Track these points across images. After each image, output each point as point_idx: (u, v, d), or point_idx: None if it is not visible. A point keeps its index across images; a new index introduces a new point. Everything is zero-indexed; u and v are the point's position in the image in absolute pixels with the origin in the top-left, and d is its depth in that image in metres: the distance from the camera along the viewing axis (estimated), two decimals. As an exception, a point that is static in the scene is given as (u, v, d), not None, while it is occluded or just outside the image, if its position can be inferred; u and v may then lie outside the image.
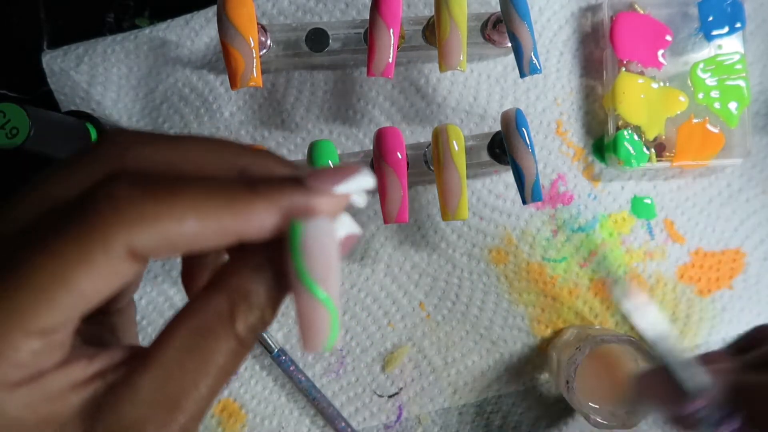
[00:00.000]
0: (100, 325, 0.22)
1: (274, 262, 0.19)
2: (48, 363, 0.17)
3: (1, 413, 0.16)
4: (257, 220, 0.18)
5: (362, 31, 0.44)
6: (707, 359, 0.27)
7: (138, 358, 0.18)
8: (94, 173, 0.18)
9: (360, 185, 0.19)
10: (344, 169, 0.19)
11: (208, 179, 0.18)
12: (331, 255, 0.18)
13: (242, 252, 0.19)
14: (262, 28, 0.42)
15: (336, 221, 0.19)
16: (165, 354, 0.18)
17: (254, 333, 0.19)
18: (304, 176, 0.18)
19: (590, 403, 0.40)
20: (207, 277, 0.23)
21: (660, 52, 0.46)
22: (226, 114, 0.47)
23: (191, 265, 0.23)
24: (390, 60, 0.38)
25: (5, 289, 0.16)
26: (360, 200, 0.19)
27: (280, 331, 0.46)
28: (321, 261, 0.18)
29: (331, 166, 0.38)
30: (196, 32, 0.47)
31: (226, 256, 0.23)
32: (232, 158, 0.19)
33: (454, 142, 0.39)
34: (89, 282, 0.16)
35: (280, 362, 0.45)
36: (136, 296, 0.46)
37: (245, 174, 0.19)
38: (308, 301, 0.18)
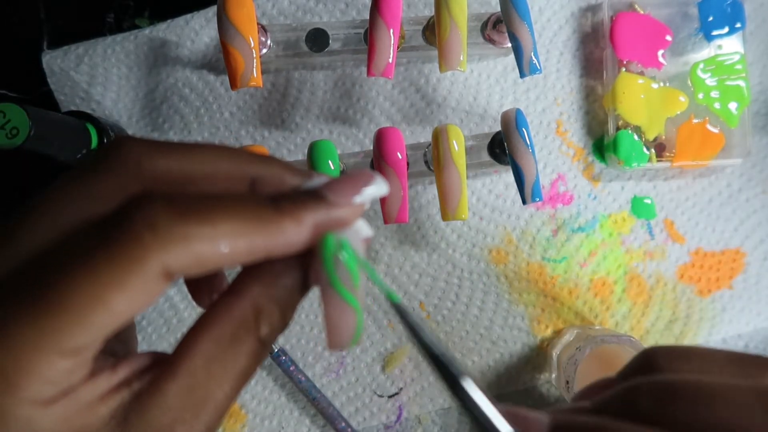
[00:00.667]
0: None
1: (294, 267, 0.19)
2: (77, 378, 0.18)
3: (37, 429, 0.17)
4: (285, 238, 0.18)
5: (362, 31, 0.44)
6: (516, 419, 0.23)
7: (161, 365, 0.19)
8: (119, 186, 0.18)
9: (375, 193, 0.20)
10: (359, 179, 0.20)
11: (235, 198, 0.18)
12: (358, 260, 0.19)
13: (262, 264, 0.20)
14: (262, 28, 0.42)
15: (357, 227, 0.20)
16: (192, 361, 0.18)
17: (275, 335, 0.20)
18: (321, 188, 0.19)
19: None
20: (212, 280, 0.24)
21: (660, 52, 0.46)
22: (226, 114, 0.47)
23: (197, 277, 0.24)
24: (390, 60, 0.38)
25: (42, 309, 0.16)
26: (384, 190, 0.20)
27: (280, 331, 0.46)
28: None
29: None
30: (196, 32, 0.47)
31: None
32: (242, 167, 0.20)
33: (454, 142, 0.39)
34: (124, 303, 0.17)
35: (280, 362, 0.45)
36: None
37: (259, 186, 0.20)
38: (339, 306, 0.19)
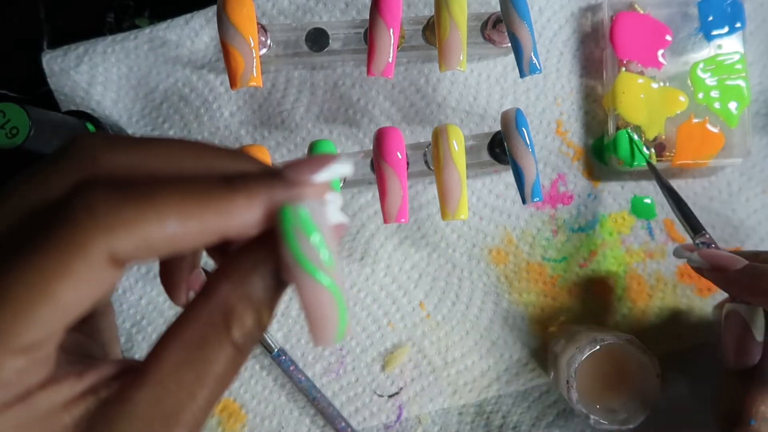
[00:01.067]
0: (80, 333, 0.22)
1: (264, 261, 0.18)
2: (34, 381, 0.17)
3: None
4: (239, 215, 0.17)
5: (362, 31, 0.44)
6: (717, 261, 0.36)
7: (130, 372, 0.18)
8: (67, 178, 0.17)
9: (337, 173, 0.18)
10: (320, 158, 0.18)
11: (185, 179, 0.17)
12: (326, 237, 0.18)
13: (230, 257, 0.18)
14: (262, 28, 0.42)
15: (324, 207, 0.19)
16: (160, 368, 0.17)
17: (252, 338, 0.18)
18: (281, 169, 0.18)
19: (590, 403, 0.40)
20: (186, 275, 0.23)
21: (660, 52, 0.46)
22: (226, 114, 0.47)
23: (169, 265, 0.23)
24: (390, 60, 0.38)
25: None
26: (347, 170, 0.19)
27: (280, 331, 0.46)
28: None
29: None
30: (196, 32, 0.47)
31: (202, 254, 0.22)
32: (209, 162, 0.18)
33: (454, 142, 0.39)
34: (71, 293, 0.16)
35: (280, 362, 0.45)
36: (135, 296, 0.46)
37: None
38: (311, 287, 0.17)
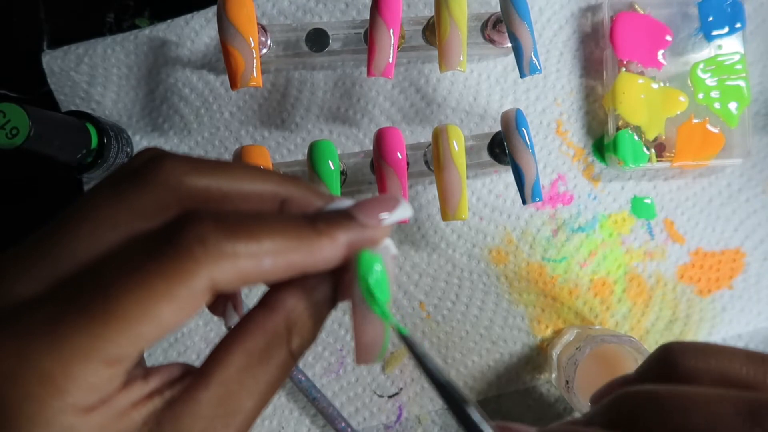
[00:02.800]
0: None
1: (325, 282, 0.21)
2: (115, 386, 0.18)
3: None
4: (322, 256, 0.20)
5: (362, 31, 0.44)
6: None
7: (192, 375, 0.19)
8: (163, 203, 0.19)
9: (401, 215, 0.21)
10: (385, 201, 0.21)
11: (277, 218, 0.19)
12: (390, 276, 0.20)
13: (299, 280, 0.21)
14: (262, 28, 0.42)
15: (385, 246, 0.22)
16: (224, 372, 0.19)
17: (304, 348, 0.21)
18: (350, 209, 0.21)
19: (590, 403, 0.40)
20: (226, 296, 0.24)
21: (660, 52, 0.46)
22: (226, 114, 0.47)
23: None
24: (390, 60, 0.38)
25: (90, 318, 0.17)
26: (409, 213, 0.22)
27: (280, 331, 0.46)
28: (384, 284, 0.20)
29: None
30: (196, 32, 0.47)
31: None
32: (274, 187, 0.21)
33: (454, 142, 0.39)
34: (171, 315, 0.17)
35: (280, 362, 0.45)
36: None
37: (288, 205, 0.21)
38: (369, 318, 0.20)
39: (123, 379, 0.18)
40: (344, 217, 0.20)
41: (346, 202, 0.21)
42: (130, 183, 0.19)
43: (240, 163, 0.21)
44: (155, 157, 0.20)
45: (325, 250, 0.20)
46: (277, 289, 0.21)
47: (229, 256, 0.18)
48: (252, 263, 0.18)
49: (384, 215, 0.21)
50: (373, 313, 0.20)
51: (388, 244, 0.22)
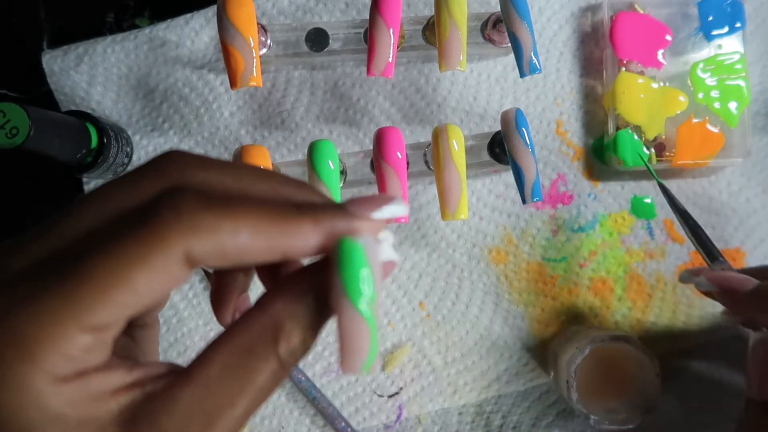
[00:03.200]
0: (129, 338, 0.24)
1: (316, 289, 0.20)
2: (93, 362, 0.18)
3: (45, 407, 0.17)
4: (303, 238, 0.19)
5: (362, 31, 0.44)
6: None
7: (177, 373, 0.19)
8: (156, 185, 0.19)
9: (394, 213, 0.21)
10: (380, 198, 0.21)
11: (261, 200, 0.19)
12: (375, 272, 0.19)
13: (285, 279, 0.20)
14: (262, 28, 0.42)
15: (378, 244, 0.21)
16: (207, 370, 0.19)
17: (295, 357, 0.20)
18: (344, 203, 0.20)
19: (590, 403, 0.40)
20: (236, 297, 0.25)
21: (660, 52, 0.46)
22: (226, 114, 0.47)
23: (222, 285, 0.25)
24: (390, 60, 0.38)
25: (66, 283, 0.17)
26: (403, 211, 0.21)
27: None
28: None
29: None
30: (196, 32, 0.47)
31: (252, 281, 0.25)
32: (277, 188, 0.21)
33: (454, 142, 0.39)
34: (145, 282, 0.17)
35: (280, 362, 0.45)
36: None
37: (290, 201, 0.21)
38: (350, 316, 0.19)
39: (103, 356, 0.18)
40: (333, 205, 0.20)
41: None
42: (133, 173, 0.20)
43: (245, 164, 0.21)
44: (165, 152, 0.20)
45: (306, 233, 0.19)
46: (269, 292, 0.20)
47: (205, 227, 0.18)
48: (229, 237, 0.18)
49: (376, 208, 0.20)
50: (356, 312, 0.18)
51: (384, 248, 0.21)
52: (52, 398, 0.17)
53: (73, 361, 0.17)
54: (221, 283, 0.24)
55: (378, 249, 0.20)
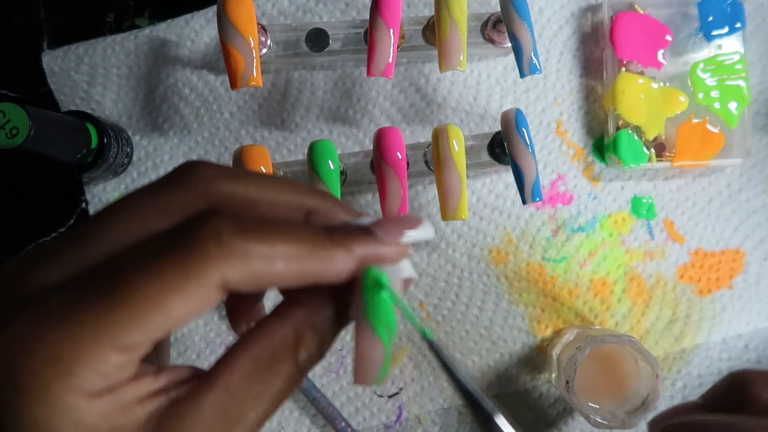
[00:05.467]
0: None
1: (336, 298, 0.21)
2: (124, 376, 0.18)
3: (79, 421, 0.18)
4: (335, 266, 0.20)
5: (362, 31, 0.44)
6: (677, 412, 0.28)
7: (200, 378, 0.20)
8: (189, 202, 0.19)
9: (422, 236, 0.21)
10: (407, 221, 0.21)
11: (294, 224, 0.20)
12: (396, 296, 0.20)
13: (305, 289, 0.21)
14: (262, 28, 0.42)
15: (399, 266, 0.21)
16: (230, 377, 0.19)
17: (312, 362, 0.21)
18: (371, 225, 0.21)
19: (590, 403, 0.40)
20: (251, 308, 0.25)
21: (660, 52, 0.46)
22: (226, 114, 0.47)
23: (237, 297, 0.25)
24: (390, 60, 0.38)
25: (105, 303, 0.17)
26: (430, 234, 0.22)
27: (280, 331, 0.46)
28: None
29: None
30: (196, 32, 0.47)
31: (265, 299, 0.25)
32: (300, 198, 0.21)
33: (454, 142, 0.39)
34: (181, 308, 0.18)
35: (280, 362, 0.45)
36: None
37: (314, 217, 0.21)
38: (370, 338, 0.19)
39: (132, 370, 0.19)
40: (363, 231, 0.20)
41: (369, 219, 0.21)
42: (161, 185, 0.20)
43: (269, 175, 0.22)
44: (190, 163, 0.20)
45: (338, 261, 0.20)
46: (290, 299, 0.21)
47: (242, 255, 0.18)
48: (264, 265, 0.18)
49: (404, 233, 0.21)
50: (374, 333, 0.20)
51: (405, 266, 0.22)
52: (85, 413, 0.18)
53: (105, 378, 0.18)
54: (237, 300, 0.25)
55: (399, 272, 0.21)
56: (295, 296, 0.21)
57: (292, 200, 0.21)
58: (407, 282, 0.22)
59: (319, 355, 0.21)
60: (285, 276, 0.19)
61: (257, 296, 0.25)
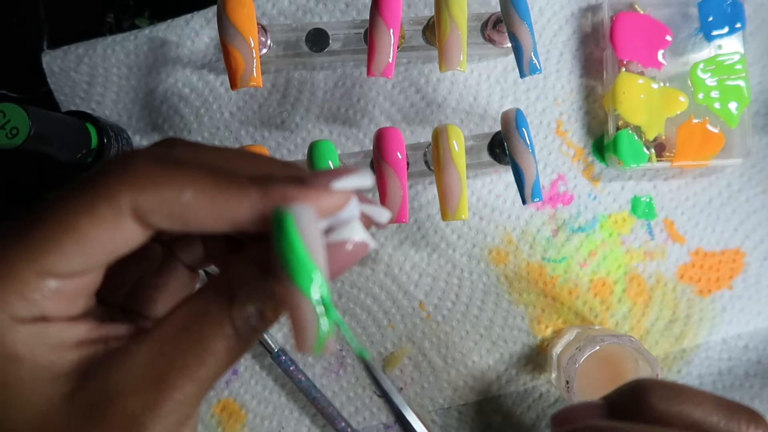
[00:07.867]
0: None
1: (264, 259, 0.19)
2: (56, 311, 0.19)
3: (1, 339, 0.18)
4: (247, 204, 0.18)
5: (362, 31, 0.44)
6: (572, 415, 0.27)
7: (139, 332, 0.20)
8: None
9: (356, 183, 0.19)
10: (342, 169, 0.20)
11: (216, 168, 0.19)
12: (314, 244, 0.18)
13: (247, 252, 0.20)
14: (262, 28, 0.42)
15: (348, 227, 0.19)
16: (163, 330, 0.19)
17: (252, 328, 0.19)
18: (305, 174, 0.20)
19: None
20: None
21: (660, 52, 0.46)
22: (226, 114, 0.47)
23: None
24: (390, 60, 0.38)
25: (20, 233, 0.18)
26: (367, 181, 0.20)
27: (280, 332, 0.46)
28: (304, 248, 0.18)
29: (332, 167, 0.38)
30: (196, 32, 0.47)
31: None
32: (263, 167, 0.20)
33: (454, 142, 0.39)
34: (95, 231, 0.18)
35: (280, 362, 0.45)
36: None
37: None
38: (295, 294, 0.17)
39: (68, 311, 0.19)
40: (291, 177, 0.19)
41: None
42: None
43: (234, 147, 0.22)
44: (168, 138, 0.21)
45: (252, 198, 0.18)
46: (230, 263, 0.20)
47: (149, 182, 0.18)
48: (172, 194, 0.18)
49: (334, 179, 0.19)
50: (294, 286, 0.17)
51: (353, 225, 0.19)
52: (6, 335, 0.18)
53: (30, 303, 0.18)
54: (166, 236, 0.25)
55: (316, 217, 0.18)
56: (239, 258, 0.20)
57: (251, 170, 0.20)
58: (361, 247, 0.20)
59: (261, 320, 0.19)
60: (197, 211, 0.18)
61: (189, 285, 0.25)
